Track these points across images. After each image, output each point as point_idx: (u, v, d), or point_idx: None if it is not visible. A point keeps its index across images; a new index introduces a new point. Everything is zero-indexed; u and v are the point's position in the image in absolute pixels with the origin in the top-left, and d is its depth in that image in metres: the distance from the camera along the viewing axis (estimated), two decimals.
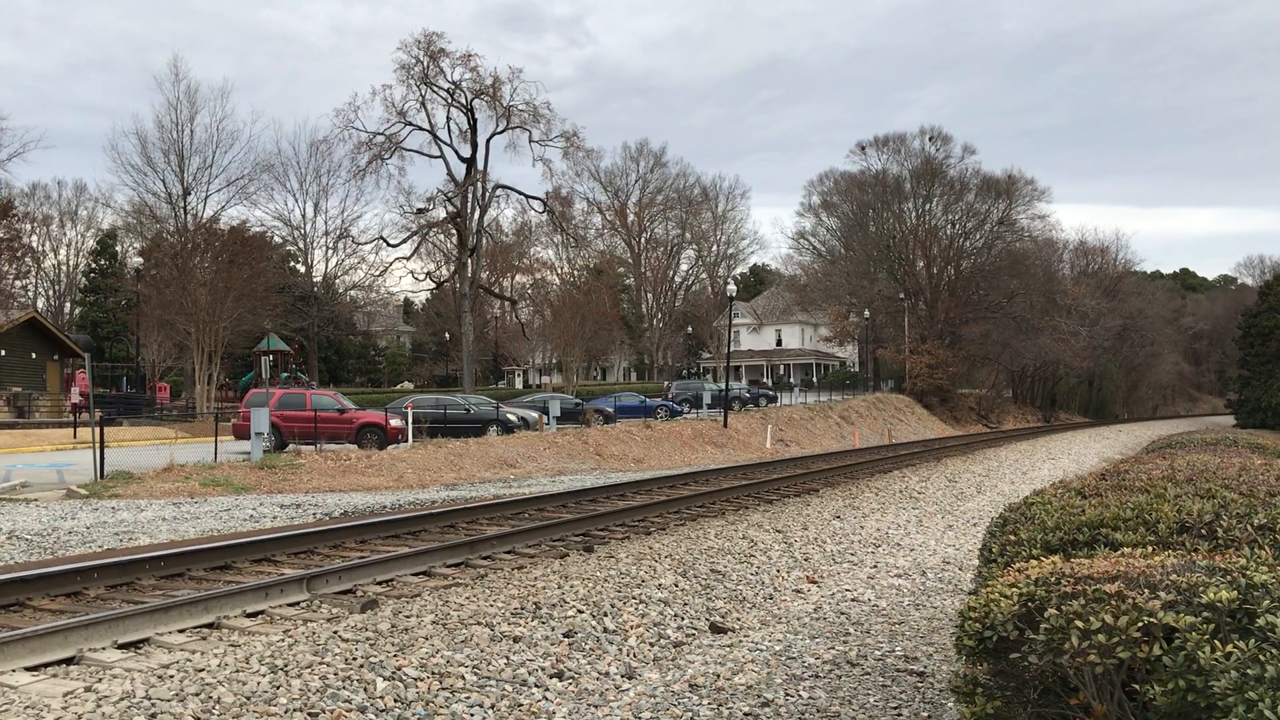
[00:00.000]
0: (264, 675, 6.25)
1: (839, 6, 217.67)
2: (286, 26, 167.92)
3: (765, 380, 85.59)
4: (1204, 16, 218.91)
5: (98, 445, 19.69)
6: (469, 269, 54.79)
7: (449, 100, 54.03)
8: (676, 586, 9.84)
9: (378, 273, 65.11)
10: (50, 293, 76.13)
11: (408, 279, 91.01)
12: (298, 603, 8.82)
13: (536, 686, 6.74)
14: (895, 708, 6.47)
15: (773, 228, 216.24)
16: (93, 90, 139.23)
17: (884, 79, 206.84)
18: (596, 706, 6.49)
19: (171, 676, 6.16)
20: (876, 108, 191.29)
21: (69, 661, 6.83)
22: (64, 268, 76.26)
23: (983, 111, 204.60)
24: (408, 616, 7.88)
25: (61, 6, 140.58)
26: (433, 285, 70.59)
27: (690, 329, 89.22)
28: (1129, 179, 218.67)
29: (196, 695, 5.82)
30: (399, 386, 74.32)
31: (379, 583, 9.79)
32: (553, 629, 7.89)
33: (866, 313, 72.68)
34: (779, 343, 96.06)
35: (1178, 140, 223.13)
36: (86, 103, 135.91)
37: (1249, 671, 2.98)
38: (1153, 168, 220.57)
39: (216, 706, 5.69)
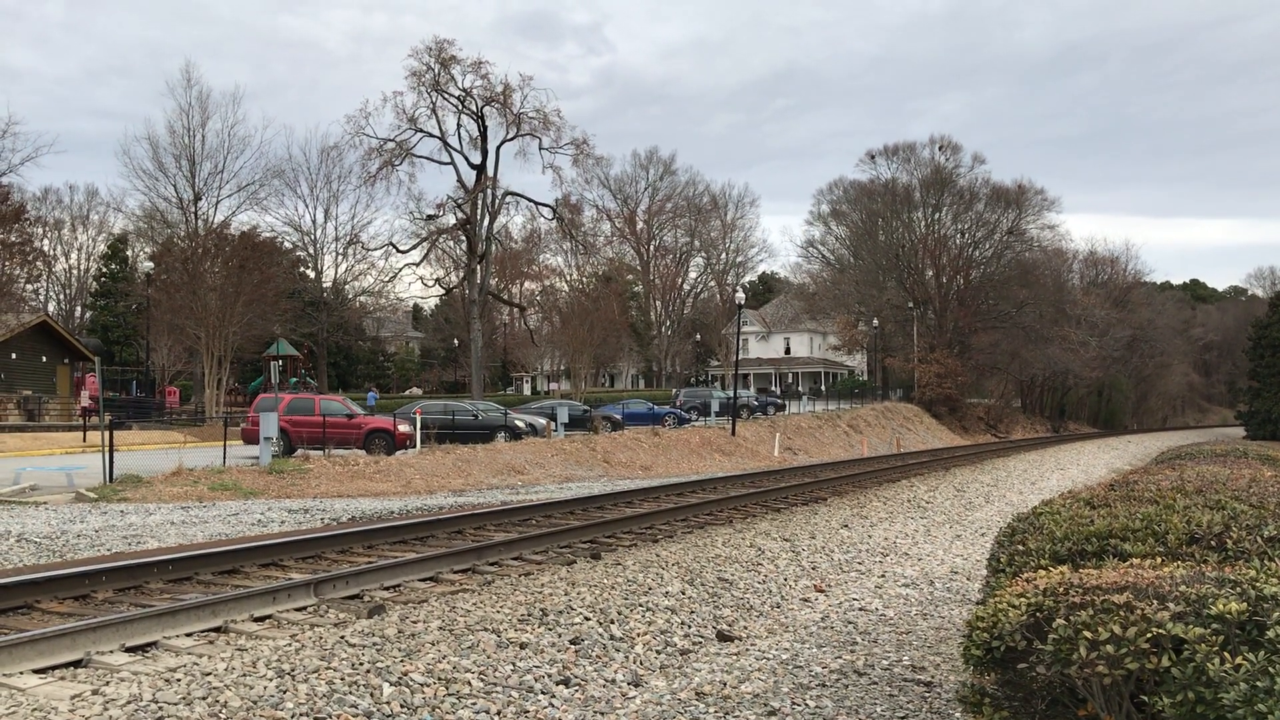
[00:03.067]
0: (271, 679, 6.26)
1: (857, 15, 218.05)
2: (306, 34, 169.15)
3: (773, 388, 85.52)
4: (1222, 26, 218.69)
5: (107, 449, 19.75)
6: (478, 275, 54.87)
7: (459, 107, 54.20)
8: (684, 594, 9.83)
9: (387, 279, 65.18)
10: (61, 297, 76.53)
11: (417, 285, 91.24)
12: (305, 607, 8.83)
13: (543, 693, 6.73)
14: (903, 717, 6.45)
15: (782, 236, 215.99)
16: (113, 96, 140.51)
17: (901, 88, 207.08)
18: (603, 714, 6.49)
19: (179, 680, 6.17)
20: (893, 116, 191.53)
21: (76, 664, 6.84)
22: (75, 272, 76.66)
23: (998, 120, 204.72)
24: (414, 622, 7.89)
25: (85, 13, 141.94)
26: (442, 291, 70.72)
27: (699, 336, 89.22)
28: (1142, 189, 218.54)
29: (203, 699, 5.83)
30: (408, 392, 74.41)
31: (386, 588, 9.80)
32: (559, 636, 7.89)
33: (875, 321, 72.56)
34: (787, 351, 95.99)
35: (1192, 150, 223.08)
36: (106, 109, 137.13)
37: (1258, 684, 2.97)
38: (1166, 178, 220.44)
39: (223, 710, 5.70)
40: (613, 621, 8.50)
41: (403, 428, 28.46)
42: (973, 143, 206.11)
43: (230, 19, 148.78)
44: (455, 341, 77.07)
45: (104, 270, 70.60)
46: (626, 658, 7.77)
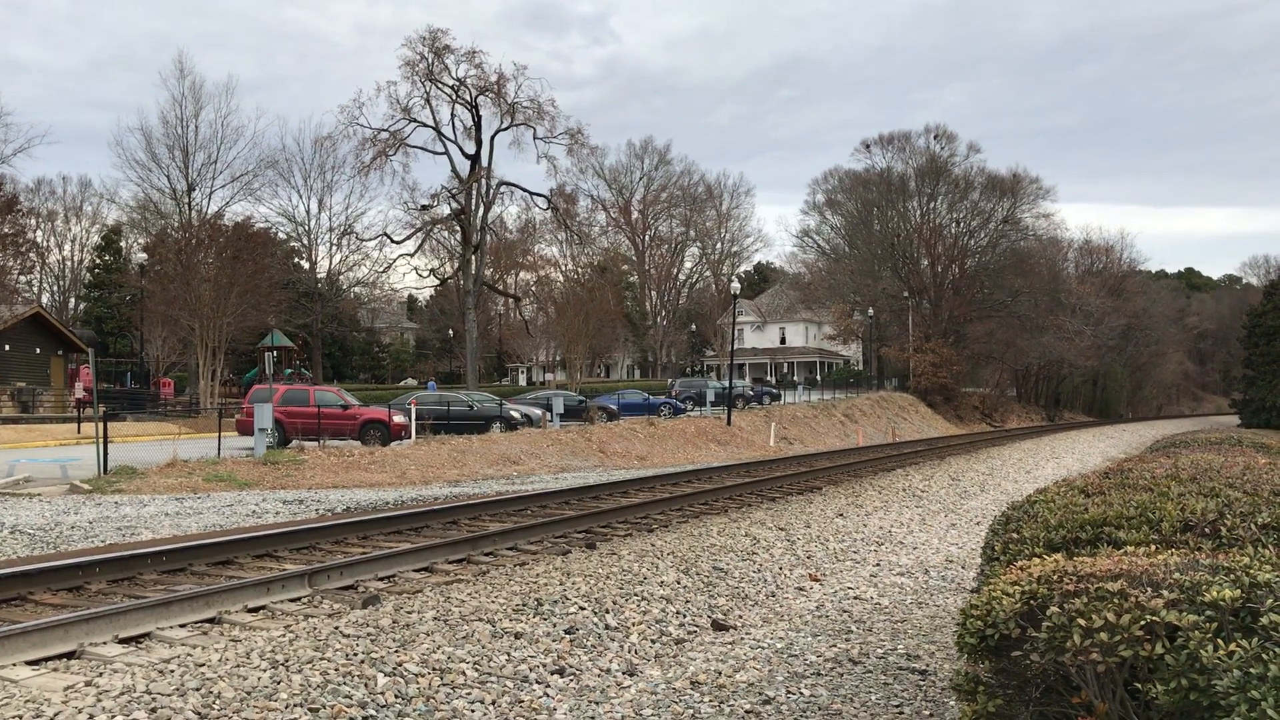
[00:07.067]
0: (265, 670, 6.25)
1: (861, 5, 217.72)
2: (311, 26, 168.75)
3: (769, 378, 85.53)
4: (1225, 16, 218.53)
5: (101, 440, 19.71)
6: (473, 266, 54.74)
7: (454, 97, 53.96)
8: (679, 584, 9.83)
9: (382, 269, 64.98)
10: (55, 288, 76.14)
11: (411, 276, 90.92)
12: (299, 598, 8.82)
13: (538, 683, 6.73)
14: (897, 706, 6.46)
15: (777, 225, 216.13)
16: (117, 88, 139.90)
17: (904, 78, 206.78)
18: (598, 703, 6.48)
19: (172, 671, 6.16)
20: (896, 107, 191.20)
21: (70, 656, 6.83)
22: (68, 263, 76.26)
23: (1001, 111, 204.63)
24: (409, 612, 7.88)
25: (90, 6, 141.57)
26: (437, 282, 70.60)
27: (694, 327, 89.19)
28: (1142, 178, 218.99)
29: (197, 690, 5.81)
30: (403, 383, 74.33)
31: (381, 579, 9.79)
32: (554, 625, 7.88)
33: (870, 311, 72.58)
34: (783, 341, 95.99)
35: (1192, 140, 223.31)
36: (110, 100, 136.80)
37: (1252, 670, 2.97)
38: (1166, 167, 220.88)
39: (217, 701, 5.69)
40: (608, 611, 8.50)
41: (398, 419, 28.44)
42: (975, 133, 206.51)
43: (235, 11, 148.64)
44: (450, 332, 76.94)
45: (97, 262, 70.33)
46: (621, 647, 7.77)
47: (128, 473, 19.36)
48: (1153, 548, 4.28)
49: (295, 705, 5.76)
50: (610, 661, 7.42)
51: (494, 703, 6.26)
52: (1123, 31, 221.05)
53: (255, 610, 8.33)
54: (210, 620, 7.97)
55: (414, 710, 5.96)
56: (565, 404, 38.90)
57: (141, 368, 52.36)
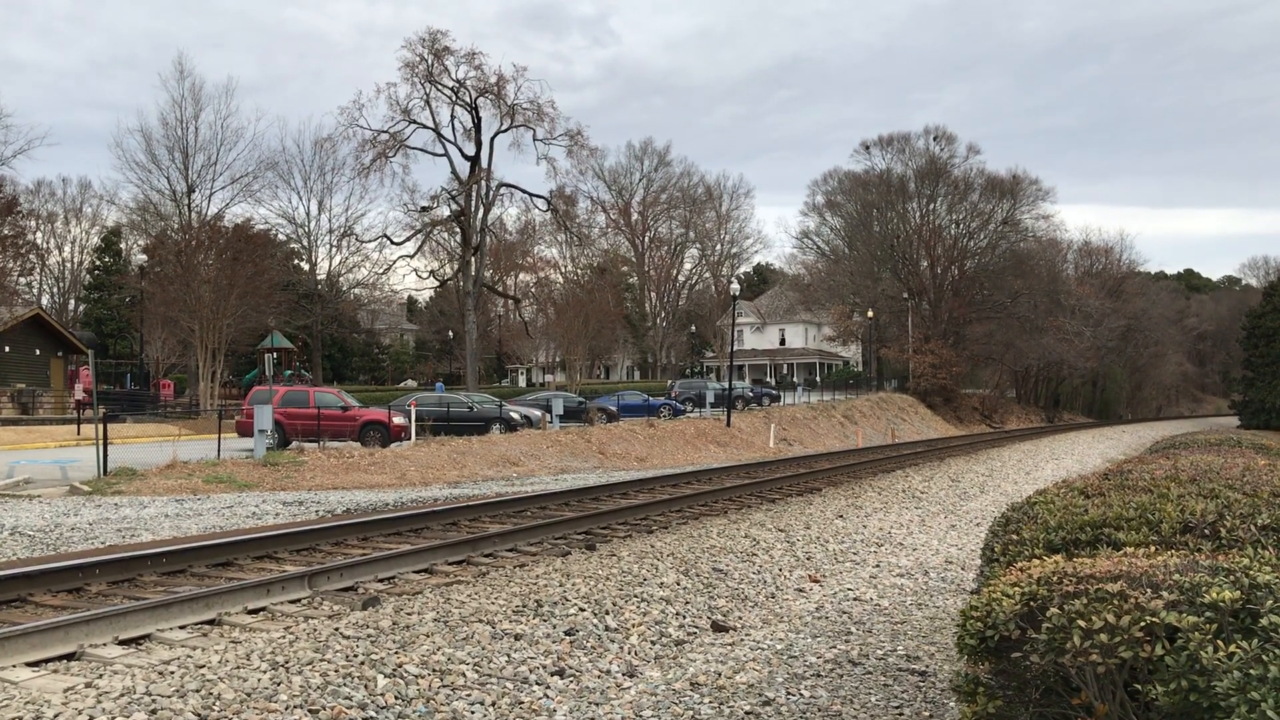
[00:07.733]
0: (265, 672, 6.25)
1: (861, 6, 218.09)
2: (311, 26, 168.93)
3: (769, 379, 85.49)
4: (1225, 16, 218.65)
5: (101, 442, 19.71)
6: (473, 267, 54.74)
7: (453, 98, 53.95)
8: (678, 585, 9.83)
9: (381, 271, 64.94)
10: (54, 290, 76.13)
11: (411, 277, 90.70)
12: (299, 600, 8.82)
13: (538, 684, 6.73)
14: (897, 707, 6.46)
15: (777, 227, 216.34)
16: (117, 89, 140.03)
17: (904, 79, 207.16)
18: (598, 704, 6.48)
19: (172, 673, 6.16)
20: (895, 107, 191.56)
21: (70, 657, 6.84)
22: (68, 265, 76.26)
23: (1000, 111, 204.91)
24: (409, 614, 7.88)
25: (89, 6, 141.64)
26: (436, 283, 70.57)
27: (694, 328, 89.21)
28: (1142, 179, 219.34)
29: (197, 691, 5.82)
30: (403, 384, 74.32)
31: (381, 580, 9.79)
32: (554, 627, 7.88)
33: (870, 312, 72.58)
34: (782, 342, 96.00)
35: (1191, 141, 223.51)
36: (110, 101, 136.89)
37: (1252, 672, 2.97)
38: (1165, 168, 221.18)
39: (217, 703, 5.69)
40: (608, 612, 8.50)
41: (398, 420, 28.44)
42: (974, 134, 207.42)
43: (235, 11, 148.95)
44: (450, 334, 76.96)
45: (97, 263, 70.35)
46: (621, 649, 7.77)
47: (127, 474, 19.36)
48: (1152, 549, 4.28)
49: (295, 706, 5.77)
50: (610, 663, 7.42)
51: (494, 704, 6.26)
52: (1122, 32, 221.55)
53: (255, 612, 8.33)
54: (210, 622, 7.97)
55: (414, 711, 5.96)
56: (565, 405, 38.92)
57: (141, 369, 52.32)
